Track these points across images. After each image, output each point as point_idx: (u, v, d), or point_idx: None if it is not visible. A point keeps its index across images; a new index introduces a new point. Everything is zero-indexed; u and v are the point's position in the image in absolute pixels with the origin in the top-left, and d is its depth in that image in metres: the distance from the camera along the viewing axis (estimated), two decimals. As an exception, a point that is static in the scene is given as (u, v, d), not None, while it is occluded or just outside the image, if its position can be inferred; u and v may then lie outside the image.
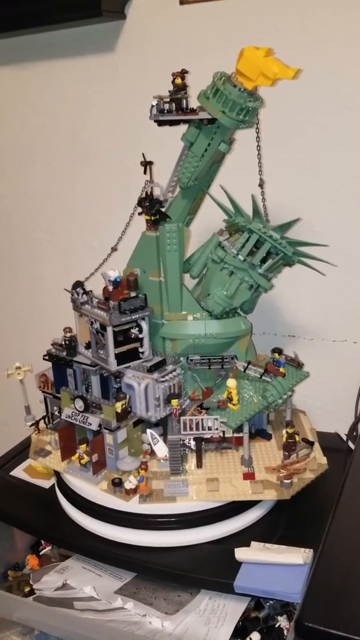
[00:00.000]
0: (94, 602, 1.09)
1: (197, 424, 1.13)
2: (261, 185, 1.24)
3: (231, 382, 1.17)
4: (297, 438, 1.18)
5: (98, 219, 1.67)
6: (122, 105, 1.54)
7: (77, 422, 1.20)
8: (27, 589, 1.20)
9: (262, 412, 1.23)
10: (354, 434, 1.26)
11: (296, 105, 1.35)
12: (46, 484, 1.33)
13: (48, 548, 1.33)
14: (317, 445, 1.23)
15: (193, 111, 1.16)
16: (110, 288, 1.23)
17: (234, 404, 1.16)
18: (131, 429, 1.20)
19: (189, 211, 1.26)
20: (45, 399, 1.36)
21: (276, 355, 1.22)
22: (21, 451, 1.45)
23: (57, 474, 1.27)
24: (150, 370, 1.19)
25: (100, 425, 1.17)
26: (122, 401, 1.17)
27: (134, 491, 1.11)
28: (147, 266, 1.26)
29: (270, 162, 1.40)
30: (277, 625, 1.05)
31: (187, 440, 1.17)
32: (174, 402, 1.16)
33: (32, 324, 1.90)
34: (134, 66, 1.50)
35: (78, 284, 1.26)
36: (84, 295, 1.25)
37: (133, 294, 1.23)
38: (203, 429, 1.13)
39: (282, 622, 1.05)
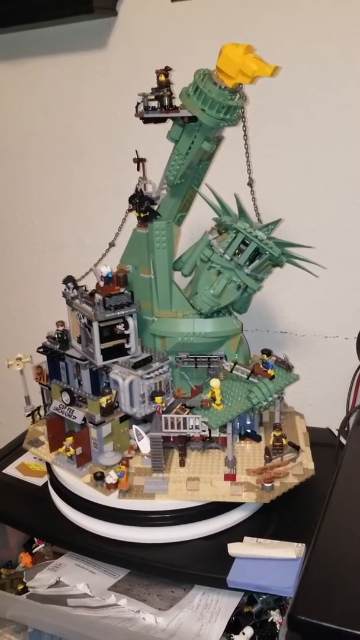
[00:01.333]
0: (88, 599, 1.09)
1: (179, 422, 1.13)
2: (250, 184, 1.24)
3: (214, 382, 1.16)
4: (284, 441, 1.17)
5: (91, 215, 1.67)
6: (114, 102, 1.54)
7: (64, 415, 1.21)
8: (20, 587, 1.20)
9: (248, 414, 1.22)
10: (346, 429, 1.27)
11: (289, 101, 1.35)
12: (39, 481, 1.33)
13: (41, 546, 1.33)
14: (307, 451, 1.21)
15: (175, 109, 1.15)
16: (102, 284, 1.23)
17: (217, 404, 1.15)
18: (117, 424, 1.20)
19: (179, 209, 1.26)
20: (42, 390, 1.38)
21: (265, 356, 1.20)
22: (14, 449, 1.45)
23: (49, 472, 1.27)
24: (135, 366, 1.19)
25: (85, 419, 1.18)
26: (108, 396, 1.18)
27: (115, 486, 1.12)
28: (138, 263, 1.26)
29: (263, 160, 1.41)
30: (270, 620, 1.05)
31: (172, 438, 1.16)
32: (158, 399, 1.16)
33: (24, 321, 1.90)
34: (126, 63, 1.50)
35: (69, 279, 1.27)
36: (74, 290, 1.25)
37: (122, 290, 1.22)
38: (185, 427, 1.13)
39: (275, 616, 1.06)
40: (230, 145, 1.27)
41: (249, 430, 1.25)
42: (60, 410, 1.22)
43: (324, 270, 1.42)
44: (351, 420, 1.24)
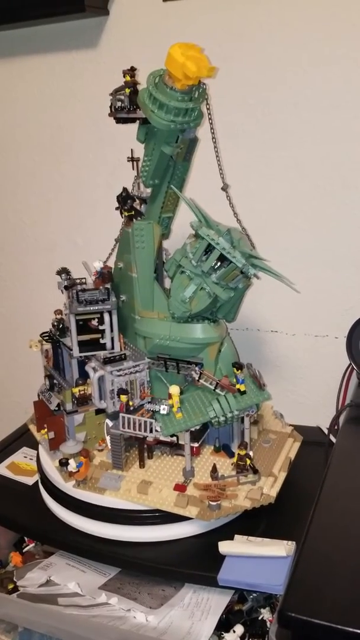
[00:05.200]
0: (78, 598, 1.09)
1: (135, 423, 1.13)
2: (224, 188, 1.22)
3: (173, 389, 1.13)
4: (248, 461, 1.12)
5: (82, 214, 1.67)
6: (105, 101, 1.53)
7: (44, 399, 1.27)
8: (10, 586, 1.19)
9: (230, 427, 1.19)
10: (335, 427, 1.28)
11: (280, 102, 1.36)
12: (29, 480, 1.33)
13: (31, 545, 1.33)
14: (280, 477, 1.15)
15: (135, 110, 1.15)
16: (92, 278, 1.25)
17: (175, 411, 1.13)
18: (91, 415, 1.22)
19: (161, 210, 1.25)
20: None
21: (234, 370, 1.14)
22: (3, 448, 1.44)
23: (40, 471, 1.27)
24: (105, 362, 1.21)
25: (58, 406, 1.22)
26: (80, 387, 1.21)
27: (74, 474, 1.15)
28: (125, 261, 1.26)
29: (254, 160, 1.41)
30: (260, 618, 1.06)
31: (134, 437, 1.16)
32: (123, 397, 1.16)
33: (15, 320, 1.89)
34: (117, 62, 1.49)
35: (63, 270, 1.29)
36: (67, 281, 1.27)
37: (105, 287, 1.24)
38: (140, 429, 1.12)
39: (266, 614, 1.06)
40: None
41: (224, 444, 1.22)
42: (42, 394, 1.28)
43: (315, 269, 1.43)
44: (341, 419, 1.24)
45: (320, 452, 1.23)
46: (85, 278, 1.28)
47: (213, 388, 1.15)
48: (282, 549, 1.00)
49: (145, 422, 1.12)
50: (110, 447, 1.18)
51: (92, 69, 1.53)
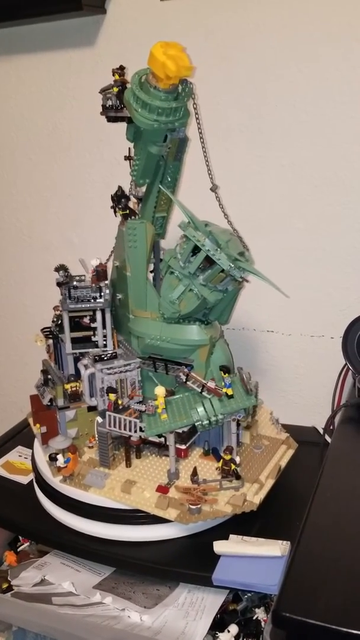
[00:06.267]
0: (73, 597, 1.09)
1: (120, 422, 1.13)
2: (213, 189, 1.21)
3: (158, 390, 1.12)
4: (233, 466, 1.10)
5: (78, 213, 1.66)
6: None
7: (39, 393, 1.28)
8: (5, 586, 1.19)
9: (221, 430, 1.18)
10: (331, 427, 1.28)
11: (278, 102, 1.36)
12: (24, 479, 1.33)
13: (26, 544, 1.33)
14: (267, 484, 1.13)
15: (121, 109, 1.15)
16: (89, 276, 1.26)
17: (160, 412, 1.12)
18: (83, 412, 1.23)
19: (154, 209, 1.25)
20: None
21: (222, 373, 1.13)
22: (-2, 447, 1.44)
23: (34, 470, 1.26)
24: (96, 360, 1.21)
25: (51, 401, 1.23)
26: (72, 383, 1.22)
27: (62, 470, 1.16)
28: (121, 260, 1.26)
29: (251, 160, 1.41)
30: (255, 618, 1.06)
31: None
32: (111, 396, 1.16)
33: (11, 318, 1.89)
34: (114, 61, 1.49)
35: (61, 267, 1.29)
36: (63, 279, 1.27)
37: (99, 285, 1.25)
38: (125, 429, 1.12)
39: (260, 614, 1.06)
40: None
41: (213, 448, 1.21)
42: (38, 389, 1.29)
43: (311, 269, 1.43)
44: (336, 419, 1.24)
45: (316, 452, 1.24)
46: (84, 275, 1.28)
47: (199, 390, 1.14)
48: (277, 548, 1.00)
49: (130, 421, 1.12)
50: (97, 445, 1.18)
51: (89, 68, 1.53)
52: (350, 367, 1.26)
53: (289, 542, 1.01)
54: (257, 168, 1.40)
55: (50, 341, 1.36)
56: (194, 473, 1.12)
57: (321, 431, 1.34)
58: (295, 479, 1.16)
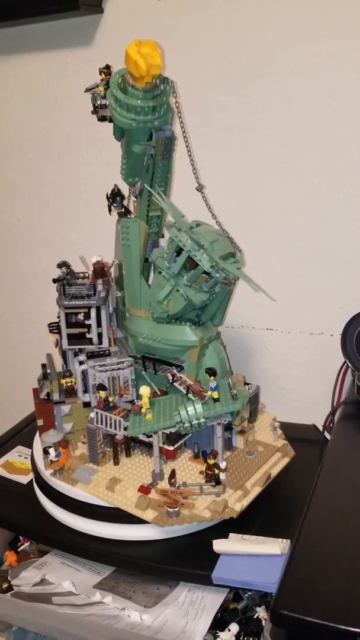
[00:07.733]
0: (73, 597, 1.09)
1: (106, 420, 1.13)
2: (199, 189, 1.20)
3: (143, 390, 1.12)
4: (217, 471, 1.09)
5: (77, 212, 1.66)
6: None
7: (39, 387, 1.29)
8: (5, 585, 1.19)
9: (213, 433, 1.14)
10: (330, 425, 1.28)
11: (276, 100, 1.35)
12: (24, 479, 1.33)
13: (26, 544, 1.32)
14: (253, 492, 1.10)
15: (105, 108, 1.15)
16: (89, 273, 1.26)
17: (144, 412, 1.11)
18: (79, 407, 1.23)
19: (147, 208, 1.24)
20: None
21: (207, 376, 1.11)
22: (-2, 447, 1.44)
23: (34, 470, 1.26)
24: (89, 357, 1.21)
25: (48, 395, 1.24)
26: (67, 379, 1.23)
27: (53, 463, 1.17)
28: (118, 258, 1.27)
29: (249, 157, 1.41)
30: (255, 616, 1.05)
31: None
32: (101, 393, 1.16)
33: (10, 318, 1.89)
34: (112, 60, 1.49)
35: (63, 264, 1.29)
36: (68, 275, 1.28)
37: (99, 282, 1.25)
38: (111, 426, 1.13)
39: (261, 612, 1.06)
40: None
41: (203, 450, 1.18)
42: (38, 382, 1.31)
43: (310, 267, 1.43)
44: (336, 416, 1.24)
45: (315, 450, 1.23)
46: (87, 272, 1.28)
47: (185, 392, 1.13)
48: (277, 547, 1.00)
49: (115, 420, 1.13)
50: (87, 441, 1.18)
51: (87, 67, 1.52)
52: (349, 364, 1.26)
53: (288, 540, 1.01)
54: (255, 166, 1.40)
55: (57, 336, 1.36)
56: (172, 475, 1.10)
57: (321, 428, 1.34)
58: (295, 476, 1.16)
